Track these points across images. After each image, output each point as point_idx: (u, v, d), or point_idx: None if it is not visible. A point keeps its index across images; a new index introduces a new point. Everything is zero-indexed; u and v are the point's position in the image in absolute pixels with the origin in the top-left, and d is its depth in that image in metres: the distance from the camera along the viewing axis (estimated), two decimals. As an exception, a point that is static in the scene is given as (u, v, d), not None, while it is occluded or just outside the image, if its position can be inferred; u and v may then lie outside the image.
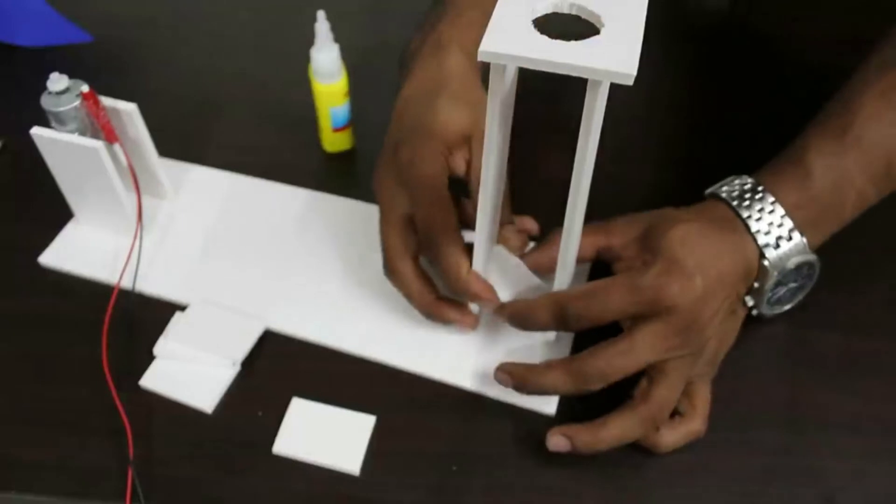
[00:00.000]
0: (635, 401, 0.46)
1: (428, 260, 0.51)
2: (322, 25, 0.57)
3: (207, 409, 0.50)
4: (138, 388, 0.51)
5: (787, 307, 0.53)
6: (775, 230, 0.47)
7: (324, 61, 0.58)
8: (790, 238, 0.47)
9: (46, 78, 0.54)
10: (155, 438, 0.49)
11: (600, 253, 0.49)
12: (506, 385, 0.48)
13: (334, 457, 0.48)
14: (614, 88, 0.37)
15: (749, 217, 0.48)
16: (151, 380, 0.51)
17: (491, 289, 0.49)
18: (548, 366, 0.47)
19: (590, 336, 0.47)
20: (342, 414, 0.50)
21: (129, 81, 0.70)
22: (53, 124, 0.54)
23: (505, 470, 0.48)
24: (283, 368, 0.52)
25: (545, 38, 0.36)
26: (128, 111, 0.54)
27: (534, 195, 0.55)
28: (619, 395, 0.47)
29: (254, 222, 0.60)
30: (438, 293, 0.51)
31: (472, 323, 0.51)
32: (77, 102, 0.53)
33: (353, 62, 0.61)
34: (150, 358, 0.52)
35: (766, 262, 0.47)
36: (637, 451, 0.48)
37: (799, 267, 0.49)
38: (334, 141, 0.64)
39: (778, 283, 0.50)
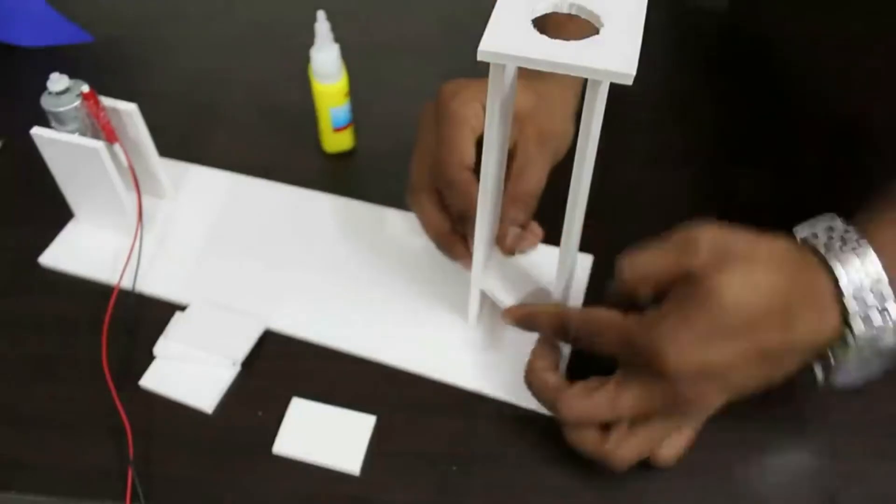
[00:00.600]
0: (609, 440, 0.43)
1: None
2: (322, 25, 0.57)
3: (207, 409, 0.50)
4: (138, 388, 0.51)
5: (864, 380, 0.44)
6: (870, 299, 0.38)
7: (324, 61, 0.58)
8: (888, 314, 0.39)
9: (46, 78, 0.54)
10: (155, 438, 0.49)
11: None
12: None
13: (334, 457, 0.48)
14: (613, 88, 0.37)
15: (840, 277, 0.39)
16: (151, 380, 0.51)
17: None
18: (541, 387, 0.46)
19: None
20: (342, 414, 0.50)
21: (129, 81, 0.71)
22: (54, 124, 0.54)
23: (505, 470, 0.48)
24: (283, 368, 0.52)
25: (545, 37, 0.36)
26: (128, 111, 0.55)
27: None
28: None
29: (254, 222, 0.60)
30: (453, 228, 0.51)
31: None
32: (77, 102, 0.53)
33: (353, 62, 0.61)
34: (151, 358, 0.52)
35: (850, 338, 0.39)
36: (637, 451, 0.48)
37: (886, 349, 0.40)
38: (335, 141, 0.64)
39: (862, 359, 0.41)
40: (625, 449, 0.43)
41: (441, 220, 0.51)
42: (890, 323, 0.38)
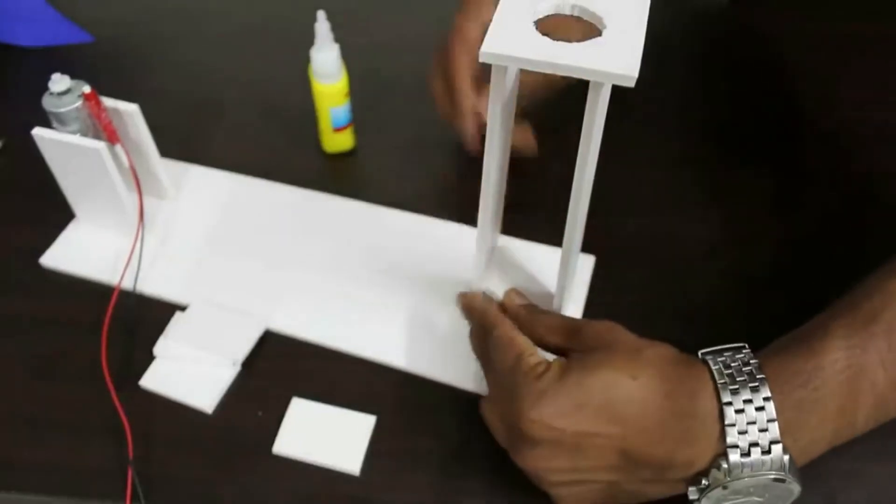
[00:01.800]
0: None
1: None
2: (322, 25, 0.57)
3: (207, 409, 0.50)
4: (138, 388, 0.51)
5: None
6: (754, 433, 0.38)
7: (324, 61, 0.58)
8: (768, 451, 0.38)
9: (47, 78, 0.54)
10: (155, 438, 0.49)
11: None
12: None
13: (334, 457, 0.48)
14: (614, 88, 0.37)
15: (730, 404, 0.38)
16: (152, 380, 0.51)
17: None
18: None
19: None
20: (342, 414, 0.50)
21: (129, 81, 0.71)
22: (55, 125, 0.54)
23: (505, 470, 0.48)
24: (283, 368, 0.52)
25: (547, 39, 0.36)
26: (129, 112, 0.55)
27: (535, 195, 0.55)
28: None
29: (254, 222, 0.60)
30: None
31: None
32: (78, 103, 0.53)
33: (353, 62, 0.61)
34: (151, 358, 0.52)
35: (724, 466, 0.38)
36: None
37: (766, 486, 0.39)
38: (335, 141, 0.64)
39: (733, 493, 0.40)
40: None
41: (470, 95, 0.54)
42: (768, 462, 0.38)
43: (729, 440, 0.38)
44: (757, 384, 0.39)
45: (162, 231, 0.59)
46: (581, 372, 0.40)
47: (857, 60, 0.71)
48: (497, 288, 0.52)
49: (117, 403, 0.49)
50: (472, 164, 0.50)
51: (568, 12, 0.38)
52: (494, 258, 0.52)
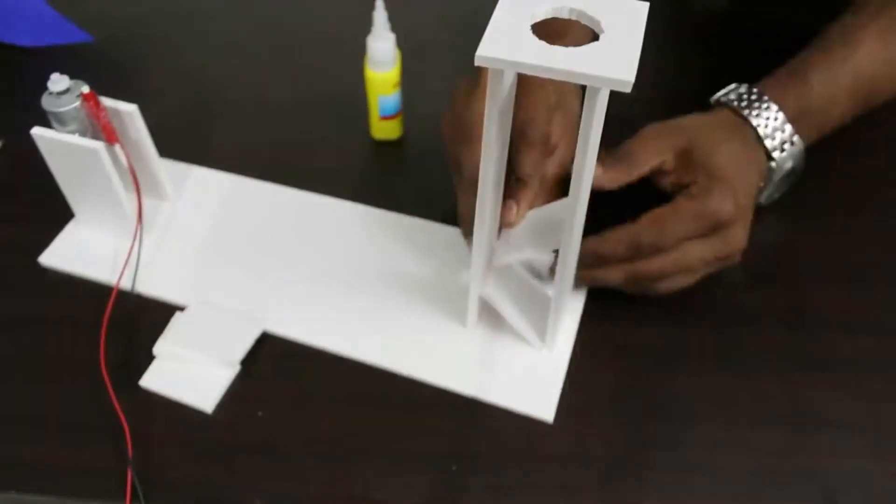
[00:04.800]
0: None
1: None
2: (380, 14, 0.57)
3: (207, 409, 0.50)
4: (138, 388, 0.51)
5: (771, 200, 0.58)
6: (779, 135, 0.54)
7: (377, 50, 0.59)
8: (793, 143, 0.54)
9: (47, 78, 0.54)
10: (155, 438, 0.49)
11: (654, 170, 0.53)
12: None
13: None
14: (613, 91, 0.37)
15: (759, 126, 0.54)
16: (151, 380, 0.51)
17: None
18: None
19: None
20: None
21: (129, 81, 0.70)
22: (54, 125, 0.54)
23: (505, 470, 0.48)
24: (282, 368, 0.52)
25: (543, 43, 0.36)
26: (128, 112, 0.54)
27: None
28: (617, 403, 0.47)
29: (254, 224, 0.60)
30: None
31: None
32: (77, 103, 0.53)
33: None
34: (150, 358, 0.52)
35: (773, 164, 0.54)
36: (637, 451, 0.48)
37: (793, 169, 0.56)
38: (382, 129, 0.65)
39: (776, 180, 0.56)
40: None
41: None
42: (795, 149, 0.55)
43: (768, 145, 0.54)
44: (767, 105, 0.54)
45: (161, 231, 0.59)
46: (715, 177, 0.50)
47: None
48: (497, 296, 0.51)
49: (116, 403, 0.49)
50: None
51: (566, 16, 0.38)
52: (493, 261, 0.52)
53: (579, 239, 0.45)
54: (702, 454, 0.48)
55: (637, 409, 0.50)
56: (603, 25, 0.37)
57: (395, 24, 0.59)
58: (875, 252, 0.58)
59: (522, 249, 0.49)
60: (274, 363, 0.52)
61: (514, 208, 0.49)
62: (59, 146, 0.53)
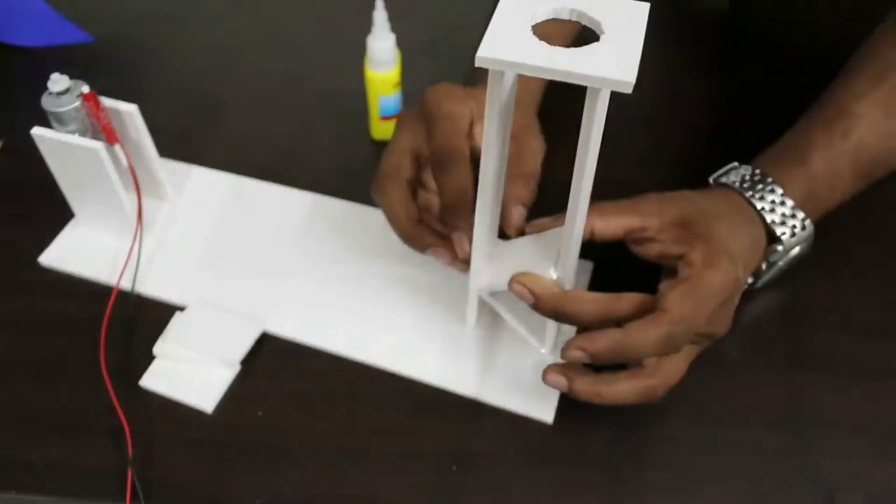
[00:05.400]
0: (644, 371, 0.46)
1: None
2: (380, 14, 0.57)
3: (207, 409, 0.50)
4: (138, 388, 0.51)
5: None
6: (790, 220, 0.51)
7: (377, 50, 0.59)
8: (804, 227, 0.52)
9: (47, 78, 0.54)
10: (155, 438, 0.49)
11: (628, 234, 0.49)
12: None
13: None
14: (613, 91, 0.37)
15: (763, 209, 0.51)
16: (151, 380, 0.51)
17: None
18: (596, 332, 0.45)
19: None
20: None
21: (129, 81, 0.70)
22: (54, 125, 0.54)
23: (505, 470, 0.48)
24: (282, 368, 0.52)
25: (544, 44, 0.36)
26: (128, 112, 0.54)
27: (538, 196, 0.55)
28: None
29: (253, 224, 0.60)
30: (420, 220, 0.50)
31: (449, 254, 0.49)
32: (77, 103, 0.53)
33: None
34: (150, 358, 0.52)
35: (779, 248, 0.52)
36: (637, 451, 0.48)
37: (799, 254, 0.53)
38: (382, 129, 0.65)
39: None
40: (659, 376, 0.46)
41: (410, 212, 0.50)
42: (805, 233, 0.52)
43: (778, 231, 0.51)
44: (771, 187, 0.51)
45: (161, 232, 0.59)
46: (709, 264, 0.46)
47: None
48: (495, 298, 0.51)
49: (116, 403, 0.49)
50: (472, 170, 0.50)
51: (566, 17, 0.38)
52: (491, 263, 0.52)
53: (579, 242, 0.45)
54: (702, 454, 0.48)
55: (636, 409, 0.50)
56: (603, 26, 0.37)
57: (395, 24, 0.59)
58: (875, 252, 0.58)
59: (492, 300, 0.50)
60: (274, 363, 0.52)
61: (465, 241, 0.47)
62: (59, 146, 0.53)
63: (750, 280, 0.54)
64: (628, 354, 0.44)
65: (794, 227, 0.51)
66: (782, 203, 0.51)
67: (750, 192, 0.51)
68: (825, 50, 0.72)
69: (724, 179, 0.53)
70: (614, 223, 0.48)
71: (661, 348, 0.43)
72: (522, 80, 0.42)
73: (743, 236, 0.49)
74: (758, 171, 0.52)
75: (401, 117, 0.52)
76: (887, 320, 0.54)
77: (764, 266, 0.53)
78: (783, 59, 0.73)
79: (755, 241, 0.51)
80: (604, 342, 0.44)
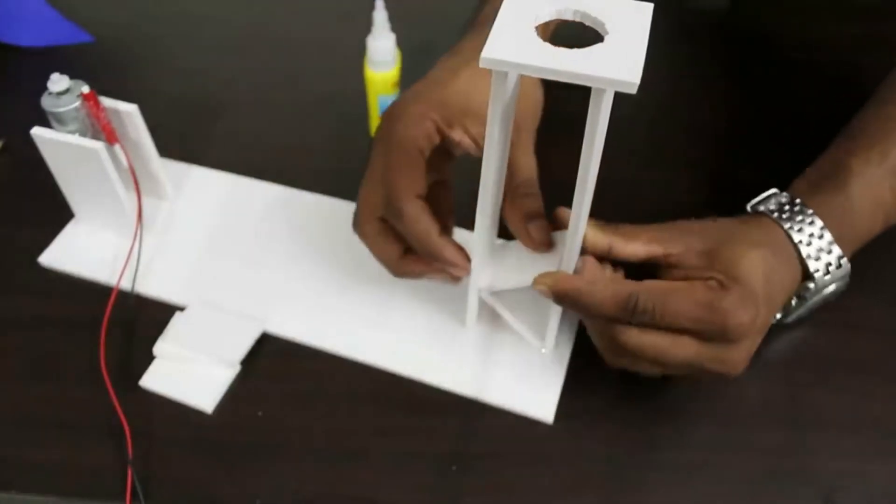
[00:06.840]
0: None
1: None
2: (380, 14, 0.57)
3: (207, 409, 0.50)
4: (138, 388, 0.51)
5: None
6: (825, 256, 0.49)
7: (377, 49, 0.59)
8: (840, 265, 0.49)
9: (46, 78, 0.54)
10: (155, 438, 0.49)
11: (653, 259, 0.47)
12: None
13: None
14: (616, 92, 0.37)
15: (801, 242, 0.48)
16: (151, 380, 0.51)
17: (465, 256, 0.47)
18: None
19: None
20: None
21: (129, 81, 0.71)
22: (54, 125, 0.54)
23: (505, 470, 0.48)
24: (282, 368, 0.52)
25: (548, 45, 0.36)
26: (128, 112, 0.55)
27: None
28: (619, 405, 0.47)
29: (254, 224, 0.60)
30: (403, 250, 0.49)
31: (446, 277, 0.49)
32: (77, 103, 0.53)
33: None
34: (150, 358, 0.52)
35: (811, 285, 0.49)
36: (637, 450, 0.48)
37: (834, 292, 0.51)
38: None
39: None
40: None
41: (391, 249, 0.49)
42: (841, 272, 0.49)
43: (811, 266, 0.48)
44: (811, 220, 0.49)
45: (161, 231, 0.59)
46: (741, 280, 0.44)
47: (859, 62, 0.71)
48: (495, 300, 0.51)
49: (116, 403, 0.49)
50: (472, 168, 0.50)
51: (569, 18, 0.38)
52: (491, 264, 0.52)
53: (581, 239, 0.45)
54: (702, 454, 0.48)
55: (637, 409, 0.50)
56: (607, 27, 0.37)
57: (395, 24, 0.59)
58: (875, 252, 0.58)
59: (524, 272, 0.49)
60: (274, 363, 0.52)
61: (458, 267, 0.47)
62: (59, 146, 0.53)
63: (778, 315, 0.52)
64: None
65: (828, 264, 0.49)
66: (821, 237, 0.49)
67: (788, 224, 0.49)
68: (825, 50, 0.73)
69: (761, 207, 0.50)
70: (639, 248, 0.47)
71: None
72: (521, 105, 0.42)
73: (773, 276, 0.46)
74: (797, 201, 0.50)
75: (373, 143, 0.50)
76: (887, 320, 0.54)
77: (794, 302, 0.51)
78: (784, 59, 0.73)
79: (788, 282, 0.48)
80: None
